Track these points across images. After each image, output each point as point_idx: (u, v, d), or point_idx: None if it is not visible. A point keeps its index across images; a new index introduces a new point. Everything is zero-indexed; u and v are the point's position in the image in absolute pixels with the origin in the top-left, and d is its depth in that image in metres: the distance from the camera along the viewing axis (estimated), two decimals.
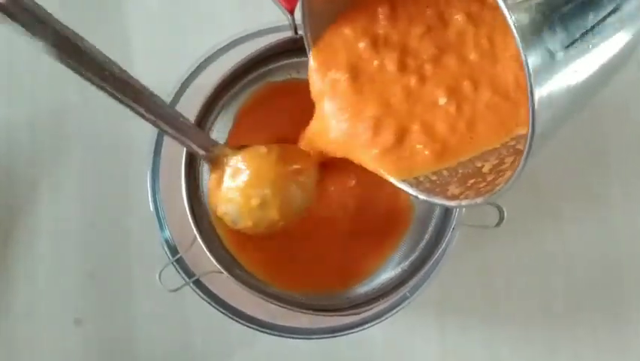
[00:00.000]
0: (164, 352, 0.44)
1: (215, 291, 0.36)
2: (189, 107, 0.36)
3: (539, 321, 0.45)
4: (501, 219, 0.35)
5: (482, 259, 0.45)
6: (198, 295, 0.36)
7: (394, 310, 0.37)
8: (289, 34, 0.36)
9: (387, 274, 0.38)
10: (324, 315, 0.35)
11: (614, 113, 0.47)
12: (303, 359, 0.44)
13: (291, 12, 0.35)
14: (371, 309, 0.36)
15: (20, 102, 0.47)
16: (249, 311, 0.37)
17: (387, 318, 0.37)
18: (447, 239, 0.35)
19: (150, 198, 0.37)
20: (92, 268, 0.45)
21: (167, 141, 0.38)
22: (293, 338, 0.37)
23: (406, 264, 0.37)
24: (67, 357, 0.44)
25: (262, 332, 0.37)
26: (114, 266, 0.45)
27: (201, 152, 0.34)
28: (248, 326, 0.36)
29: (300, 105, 0.34)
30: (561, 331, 0.45)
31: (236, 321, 0.37)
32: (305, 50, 0.34)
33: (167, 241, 0.37)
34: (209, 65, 0.38)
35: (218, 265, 0.34)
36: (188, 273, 0.36)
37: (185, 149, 0.34)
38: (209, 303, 0.36)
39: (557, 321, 0.45)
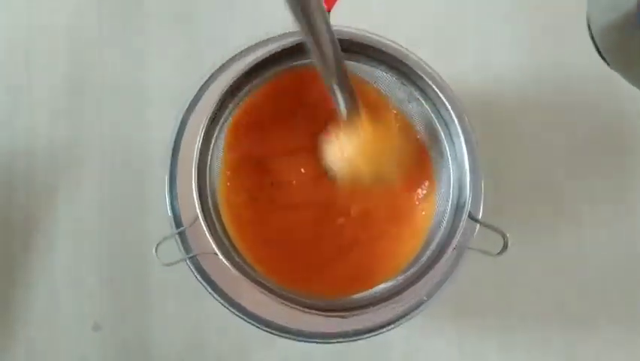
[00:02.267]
0: (181, 355, 0.45)
1: (230, 294, 0.36)
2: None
3: (556, 324, 0.45)
4: (505, 247, 0.34)
5: (499, 263, 0.45)
6: (199, 279, 0.37)
7: (411, 315, 0.36)
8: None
9: (384, 284, 0.37)
10: (312, 313, 0.35)
11: (634, 114, 0.47)
12: None
13: (328, 11, 0.35)
14: (358, 315, 0.35)
15: (38, 113, 0.47)
16: (263, 314, 0.37)
17: (403, 322, 0.37)
18: (444, 259, 0.35)
19: (168, 203, 0.37)
20: (110, 273, 0.45)
21: (183, 145, 0.38)
22: (308, 341, 0.37)
23: (401, 277, 0.37)
24: None
25: (277, 335, 0.37)
26: (132, 270, 0.45)
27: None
28: (267, 331, 0.36)
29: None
30: (578, 334, 0.45)
31: (249, 322, 0.37)
32: None
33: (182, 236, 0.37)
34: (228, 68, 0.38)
35: (213, 244, 0.34)
36: (201, 273, 0.37)
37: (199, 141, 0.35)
38: (205, 288, 0.36)
39: (574, 324, 0.45)
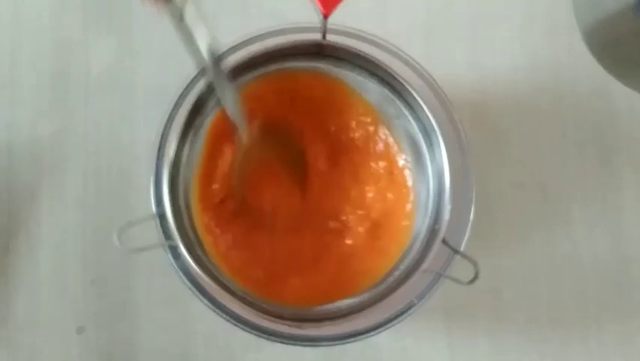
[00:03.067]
0: (167, 359, 0.44)
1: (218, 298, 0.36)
2: None
3: (547, 327, 0.45)
4: (475, 277, 0.34)
5: (490, 265, 0.45)
6: (188, 285, 0.36)
7: (401, 317, 0.36)
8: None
9: (349, 300, 0.37)
10: (271, 320, 0.35)
11: (625, 114, 0.47)
12: None
13: (326, 17, 0.34)
14: (315, 327, 0.35)
15: (21, 110, 0.46)
16: (253, 319, 0.36)
17: (394, 325, 0.36)
18: (412, 280, 0.35)
19: (154, 205, 0.36)
20: (94, 276, 0.45)
21: (168, 144, 0.37)
22: (297, 345, 0.36)
23: (366, 295, 0.36)
24: None
25: (266, 338, 0.36)
26: (116, 273, 0.44)
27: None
28: (254, 334, 0.36)
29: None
30: (570, 336, 0.45)
31: (238, 327, 0.36)
32: (325, 57, 0.36)
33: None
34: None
35: (177, 237, 0.34)
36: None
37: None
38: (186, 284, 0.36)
39: (566, 328, 0.45)
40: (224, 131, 0.38)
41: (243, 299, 0.34)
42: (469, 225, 0.36)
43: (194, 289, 0.36)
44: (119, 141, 0.46)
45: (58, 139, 0.46)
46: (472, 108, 0.46)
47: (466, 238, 0.36)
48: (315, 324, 0.34)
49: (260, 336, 0.36)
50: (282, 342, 0.36)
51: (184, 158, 0.36)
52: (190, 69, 0.37)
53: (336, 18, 0.35)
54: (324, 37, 0.36)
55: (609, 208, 0.46)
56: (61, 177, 0.46)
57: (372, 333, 0.36)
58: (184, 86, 0.37)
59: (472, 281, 0.33)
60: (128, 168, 0.45)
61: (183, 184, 0.36)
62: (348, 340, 0.36)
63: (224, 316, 0.36)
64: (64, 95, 0.46)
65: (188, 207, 0.36)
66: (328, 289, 0.38)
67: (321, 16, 0.34)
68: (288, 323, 0.34)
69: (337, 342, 0.36)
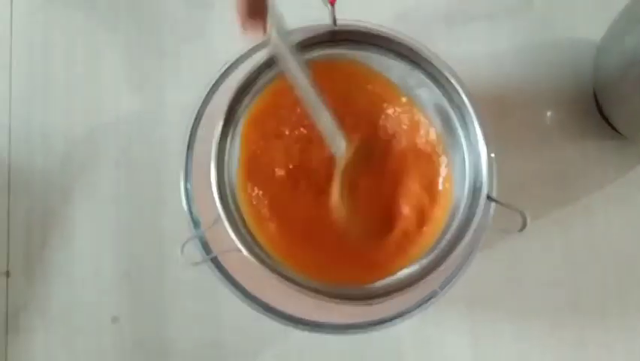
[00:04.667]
0: (197, 349, 0.45)
1: (247, 287, 0.37)
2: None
3: (568, 315, 0.45)
4: (524, 225, 0.35)
5: (511, 253, 0.46)
6: (218, 275, 0.37)
7: (425, 305, 0.37)
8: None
9: (407, 269, 0.37)
10: (337, 302, 0.35)
11: None
12: (333, 355, 0.45)
13: (332, 3, 0.35)
14: (383, 301, 0.36)
15: (56, 109, 0.48)
16: (280, 306, 0.37)
17: (417, 313, 0.37)
18: (465, 241, 0.35)
19: (183, 198, 0.38)
20: (128, 268, 0.46)
21: (197, 142, 0.39)
22: (323, 333, 0.37)
23: (424, 261, 0.37)
24: (104, 354, 0.45)
25: (293, 326, 0.37)
26: (148, 265, 0.46)
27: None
28: (284, 323, 0.37)
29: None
30: (590, 324, 0.45)
31: (267, 315, 0.37)
32: (339, 43, 0.36)
33: (200, 239, 0.37)
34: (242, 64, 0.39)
35: (237, 241, 0.34)
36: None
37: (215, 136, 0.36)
38: (229, 288, 0.37)
39: (586, 315, 0.45)
40: (264, 122, 0.38)
41: (299, 284, 0.35)
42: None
43: (224, 280, 0.37)
44: (149, 138, 0.47)
45: (91, 138, 0.47)
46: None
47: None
48: (383, 298, 0.35)
49: (287, 324, 0.37)
50: (308, 330, 0.37)
51: (226, 155, 0.37)
52: (217, 67, 0.38)
53: (350, 14, 0.36)
54: (334, 23, 0.36)
55: (629, 198, 0.47)
56: (94, 173, 0.47)
57: (396, 321, 0.37)
58: (212, 83, 0.39)
59: (521, 229, 0.34)
60: (159, 163, 0.47)
61: (230, 185, 0.36)
62: (375, 327, 0.36)
63: (254, 305, 0.37)
64: (96, 96, 0.48)
65: (237, 207, 0.37)
66: (384, 262, 0.38)
67: (328, 4, 0.35)
68: (355, 302, 0.35)
69: (363, 330, 0.37)
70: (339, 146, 0.37)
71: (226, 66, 0.38)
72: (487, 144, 0.36)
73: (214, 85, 0.39)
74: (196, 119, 0.39)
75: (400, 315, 0.37)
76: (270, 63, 0.36)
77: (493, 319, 0.45)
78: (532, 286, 0.45)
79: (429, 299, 0.37)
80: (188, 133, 0.38)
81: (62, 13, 0.49)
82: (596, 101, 0.47)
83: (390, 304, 0.36)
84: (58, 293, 0.46)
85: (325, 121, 0.36)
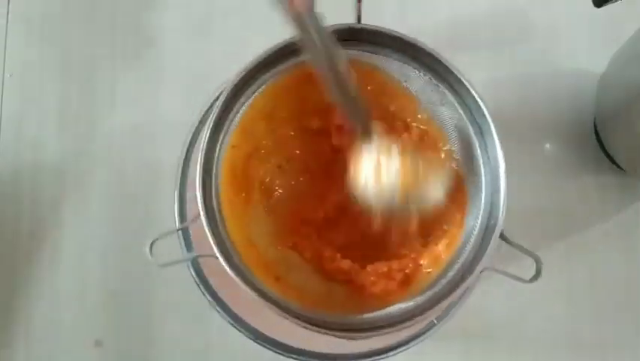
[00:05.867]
0: None
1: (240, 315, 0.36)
2: None
3: (566, 350, 0.44)
4: (537, 274, 0.31)
5: (509, 286, 0.45)
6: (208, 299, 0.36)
7: (421, 338, 0.36)
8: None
9: (402, 304, 0.34)
10: (310, 329, 0.31)
11: None
12: None
13: None
14: (366, 337, 0.33)
15: (48, 125, 0.47)
16: (270, 333, 0.36)
17: (412, 346, 0.36)
18: (468, 283, 0.32)
19: (177, 218, 0.37)
20: (114, 288, 0.45)
21: (192, 162, 0.38)
22: None
23: (420, 298, 0.34)
24: None
25: (285, 356, 0.36)
26: (136, 287, 0.45)
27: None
28: (272, 350, 0.36)
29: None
30: (587, 359, 0.44)
31: (256, 342, 0.36)
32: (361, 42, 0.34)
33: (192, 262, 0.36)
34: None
35: (215, 248, 0.32)
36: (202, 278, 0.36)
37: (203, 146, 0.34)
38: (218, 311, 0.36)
39: (584, 351, 0.45)
40: (253, 127, 0.37)
41: (288, 310, 0.32)
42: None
43: (214, 303, 0.36)
44: (142, 157, 0.47)
45: (83, 153, 0.47)
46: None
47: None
48: (366, 334, 0.32)
49: (275, 351, 0.36)
50: (296, 358, 0.36)
51: (214, 165, 0.34)
52: (215, 86, 0.38)
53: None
54: (359, 20, 0.34)
55: (626, 232, 0.46)
56: (84, 191, 0.46)
57: (391, 353, 0.36)
58: (209, 103, 0.38)
59: (534, 278, 0.31)
60: (150, 183, 0.46)
61: (215, 189, 0.34)
62: (368, 359, 0.35)
63: (242, 329, 0.36)
64: (89, 112, 0.47)
65: (221, 213, 0.34)
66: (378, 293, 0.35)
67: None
68: (337, 333, 0.32)
69: None
70: (364, 123, 0.34)
71: (222, 88, 0.38)
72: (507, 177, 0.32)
73: (209, 107, 0.38)
74: (193, 137, 0.38)
75: (394, 347, 0.36)
76: (259, 67, 0.34)
77: (490, 351, 0.44)
78: (529, 321, 0.45)
79: (425, 332, 0.36)
80: (185, 152, 0.38)
81: (58, 27, 0.49)
82: (597, 134, 0.46)
83: (384, 335, 0.35)
84: (41, 312, 0.45)
85: (347, 98, 0.33)
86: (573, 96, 0.48)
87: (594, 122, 0.47)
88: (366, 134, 0.34)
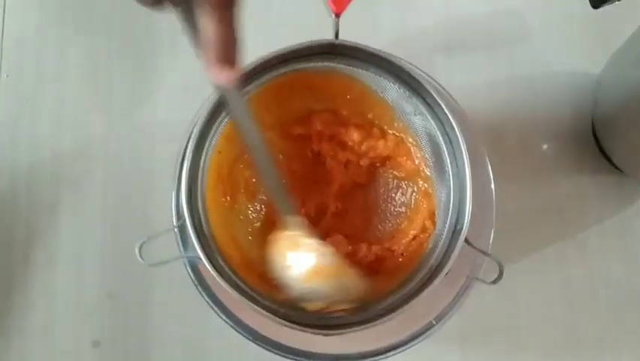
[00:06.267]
0: None
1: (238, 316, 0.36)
2: None
3: (563, 350, 0.44)
4: (499, 277, 0.32)
5: (507, 287, 0.45)
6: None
7: (419, 339, 0.36)
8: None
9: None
10: (290, 326, 0.33)
11: None
12: None
13: (338, 16, 0.34)
14: (339, 334, 0.33)
15: (44, 125, 0.47)
16: (268, 334, 0.36)
17: (410, 346, 0.36)
18: (434, 286, 0.33)
19: (175, 220, 0.37)
20: (111, 289, 0.45)
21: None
22: None
23: (391, 299, 0.35)
24: None
25: (281, 355, 0.36)
26: (133, 287, 0.45)
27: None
28: (268, 350, 0.36)
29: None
30: (586, 359, 0.44)
31: (255, 343, 0.36)
32: (338, 57, 0.36)
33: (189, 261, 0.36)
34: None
35: (197, 248, 0.33)
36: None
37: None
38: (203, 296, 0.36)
39: (581, 351, 0.44)
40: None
41: (267, 307, 0.33)
42: (493, 227, 0.36)
43: (211, 303, 0.36)
44: (139, 159, 0.46)
45: (80, 155, 0.46)
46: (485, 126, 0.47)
47: (491, 239, 0.36)
48: (339, 330, 0.33)
49: (274, 352, 0.36)
50: (295, 359, 0.36)
51: (200, 169, 0.36)
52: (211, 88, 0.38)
53: (352, 36, 0.36)
54: (336, 36, 0.35)
55: (624, 233, 0.46)
56: (81, 191, 0.46)
57: (390, 353, 0.36)
58: (205, 105, 0.38)
59: (496, 281, 0.32)
60: (147, 184, 0.46)
61: (201, 194, 0.35)
62: (368, 359, 0.35)
63: (240, 330, 0.36)
64: (86, 114, 0.47)
65: (206, 214, 0.35)
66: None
67: (333, 16, 0.34)
68: (314, 330, 0.33)
69: None
70: (287, 207, 0.36)
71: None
72: (474, 187, 0.34)
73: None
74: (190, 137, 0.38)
75: (392, 348, 0.36)
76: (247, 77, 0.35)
77: (488, 353, 0.44)
78: (527, 321, 0.45)
79: (424, 332, 0.36)
80: (184, 145, 0.37)
81: (54, 29, 0.49)
82: (594, 134, 0.46)
83: (383, 336, 0.35)
84: (38, 313, 0.44)
85: (273, 181, 0.35)
86: (571, 97, 0.48)
87: (592, 123, 0.47)
88: (289, 216, 0.36)
